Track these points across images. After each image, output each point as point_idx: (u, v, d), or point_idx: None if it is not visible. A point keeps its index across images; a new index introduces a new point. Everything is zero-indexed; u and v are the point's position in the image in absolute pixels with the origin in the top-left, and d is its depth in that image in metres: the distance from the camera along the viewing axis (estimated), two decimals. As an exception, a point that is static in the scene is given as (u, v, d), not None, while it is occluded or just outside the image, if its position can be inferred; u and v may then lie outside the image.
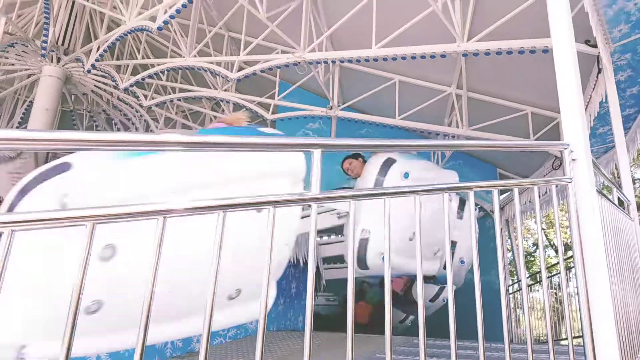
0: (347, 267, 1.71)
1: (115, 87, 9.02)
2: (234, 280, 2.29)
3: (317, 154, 1.71)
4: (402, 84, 7.91)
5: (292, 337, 6.53)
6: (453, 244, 5.83)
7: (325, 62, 7.14)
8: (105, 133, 1.36)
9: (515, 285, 11.43)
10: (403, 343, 5.18)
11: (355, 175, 5.62)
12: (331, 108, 8.40)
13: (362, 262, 4.73)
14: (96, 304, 1.99)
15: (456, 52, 5.84)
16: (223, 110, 10.35)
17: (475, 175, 9.44)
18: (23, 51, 8.75)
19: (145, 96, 9.48)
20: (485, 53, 5.71)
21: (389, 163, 4.96)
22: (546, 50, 5.27)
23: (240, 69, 7.66)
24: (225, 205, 1.48)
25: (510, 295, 10.74)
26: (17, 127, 10.38)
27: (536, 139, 7.59)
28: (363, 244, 4.69)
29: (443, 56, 5.95)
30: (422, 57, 5.95)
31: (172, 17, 6.48)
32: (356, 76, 8.26)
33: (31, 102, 9.68)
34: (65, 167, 2.06)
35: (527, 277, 12.74)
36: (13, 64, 9.19)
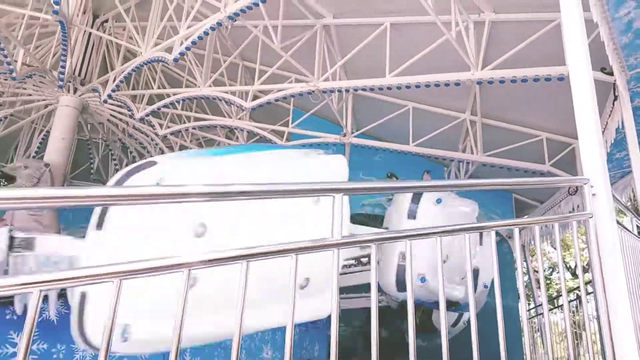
0: (364, 297, 1.69)
1: (131, 117, 9.14)
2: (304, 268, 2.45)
3: (338, 198, 1.69)
4: (415, 111, 7.92)
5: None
6: (476, 270, 5.81)
7: (339, 90, 7.19)
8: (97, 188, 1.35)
9: (532, 310, 11.17)
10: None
11: None
12: (345, 135, 8.41)
13: (401, 284, 4.99)
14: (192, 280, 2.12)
15: (470, 80, 5.84)
16: (237, 138, 10.42)
17: (490, 200, 9.33)
18: (40, 82, 8.93)
19: (161, 125, 9.59)
20: (500, 81, 5.70)
21: (419, 194, 5.17)
22: (562, 78, 5.24)
23: (255, 97, 7.74)
24: (248, 255, 1.45)
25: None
26: (34, 157, 10.53)
27: (552, 165, 7.52)
28: (402, 269, 4.94)
29: (457, 84, 5.95)
30: (437, 85, 5.95)
31: (188, 48, 6.59)
32: (370, 103, 8.29)
33: (48, 132, 9.84)
34: (151, 164, 2.58)
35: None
36: (30, 95, 9.37)
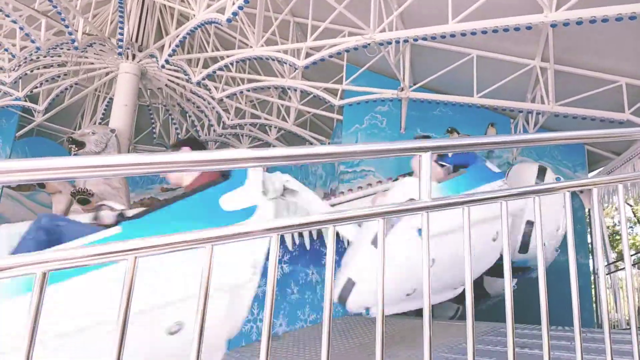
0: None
1: (188, 81, 9.23)
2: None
3: (426, 157, 1.55)
4: (480, 59, 7.43)
5: (372, 323, 6.42)
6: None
7: (397, 41, 6.84)
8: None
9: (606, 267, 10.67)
10: (489, 331, 4.91)
11: None
12: (402, 89, 8.08)
13: (525, 247, 5.58)
14: None
15: (543, 22, 5.36)
16: (290, 98, 10.33)
17: (560, 152, 8.81)
18: (101, 50, 9.16)
19: (216, 88, 9.63)
20: (577, 22, 5.19)
21: (544, 171, 5.64)
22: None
23: (308, 55, 7.54)
24: (334, 219, 1.37)
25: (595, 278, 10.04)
26: (100, 123, 10.95)
27: (632, 113, 6.91)
28: (528, 232, 5.48)
29: (529, 28, 5.48)
30: (505, 30, 5.51)
31: (240, 7, 6.45)
32: (429, 54, 7.87)
33: (111, 99, 10.17)
34: None
35: (614, 257, 11.82)
36: (92, 63, 9.65)
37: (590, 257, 9.15)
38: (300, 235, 6.62)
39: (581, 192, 8.94)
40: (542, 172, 5.83)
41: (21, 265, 1.05)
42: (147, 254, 1.13)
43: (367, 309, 4.58)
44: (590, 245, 9.22)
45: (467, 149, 1.83)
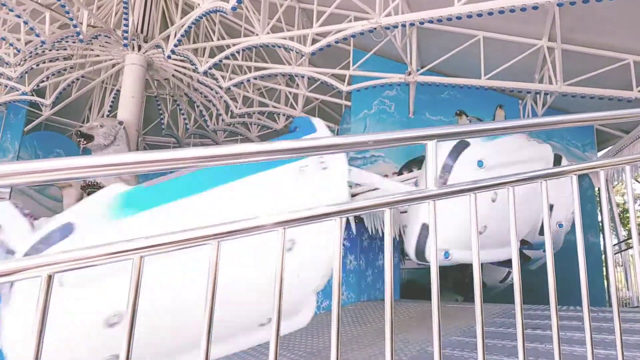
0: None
1: (195, 71, 9.22)
2: None
3: (431, 145, 1.57)
4: (486, 41, 7.35)
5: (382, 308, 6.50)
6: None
7: (403, 25, 6.78)
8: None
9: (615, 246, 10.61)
10: (502, 313, 4.95)
11: None
12: (409, 73, 8.03)
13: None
14: None
15: (549, 1, 5.28)
16: (297, 85, 10.30)
17: (569, 132, 8.72)
18: (106, 42, 9.16)
19: (224, 77, 9.63)
20: (584, 1, 5.11)
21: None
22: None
23: (314, 41, 7.50)
24: (342, 211, 1.39)
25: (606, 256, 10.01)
26: (108, 116, 11.01)
27: (640, 90, 6.82)
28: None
29: (535, 7, 5.41)
30: (512, 10, 5.45)
31: (244, -5, 6.42)
32: (435, 36, 7.80)
33: (118, 91, 10.20)
34: None
35: (625, 235, 11.76)
36: (98, 55, 9.68)
37: (601, 235, 9.13)
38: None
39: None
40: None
41: (27, 269, 1.06)
42: (153, 253, 1.15)
43: (446, 252, 4.67)
44: (600, 224, 9.18)
45: (475, 135, 1.84)
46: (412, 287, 9.33)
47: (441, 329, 1.33)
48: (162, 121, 12.23)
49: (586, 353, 1.46)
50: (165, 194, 2.55)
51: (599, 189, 9.49)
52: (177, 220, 2.47)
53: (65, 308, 2.30)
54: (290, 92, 10.60)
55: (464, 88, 7.84)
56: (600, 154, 9.27)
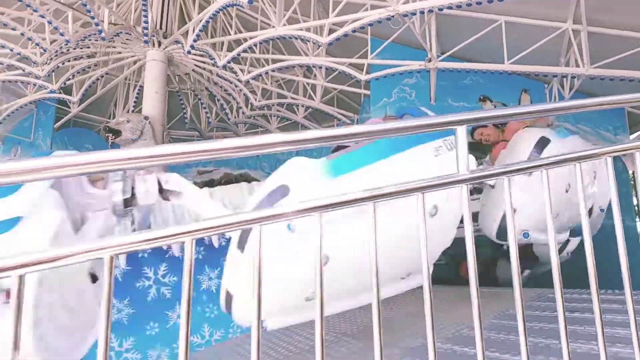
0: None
1: (214, 65, 9.29)
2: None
3: (461, 131, 1.56)
4: (508, 25, 7.20)
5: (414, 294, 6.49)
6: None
7: (421, 11, 6.69)
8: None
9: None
10: (537, 297, 4.89)
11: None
12: (430, 60, 7.93)
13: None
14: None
15: (574, -18, 5.14)
16: (315, 76, 10.28)
17: (600, 116, 8.50)
18: (127, 39, 9.30)
19: (242, 70, 9.68)
20: (610, -21, 4.96)
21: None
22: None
23: (331, 31, 7.46)
24: (374, 196, 1.41)
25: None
26: (133, 111, 11.20)
27: (672, 71, 6.61)
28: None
29: (559, -11, 5.27)
30: (535, -8, 5.32)
31: (262, -13, 6.42)
32: (455, 22, 7.67)
33: (141, 86, 10.37)
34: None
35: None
36: (120, 52, 9.83)
37: (638, 219, 8.91)
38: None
39: (624, 155, 8.63)
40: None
41: (87, 251, 1.14)
42: (202, 235, 1.21)
43: (526, 232, 4.74)
44: (636, 208, 8.96)
45: (503, 120, 1.82)
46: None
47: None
48: (185, 115, 12.39)
49: (630, 335, 1.46)
50: (350, 164, 3.12)
51: (632, 173, 9.22)
52: (366, 181, 2.95)
53: (295, 251, 2.76)
54: (308, 83, 10.59)
55: (486, 73, 7.71)
56: (632, 136, 9.03)
